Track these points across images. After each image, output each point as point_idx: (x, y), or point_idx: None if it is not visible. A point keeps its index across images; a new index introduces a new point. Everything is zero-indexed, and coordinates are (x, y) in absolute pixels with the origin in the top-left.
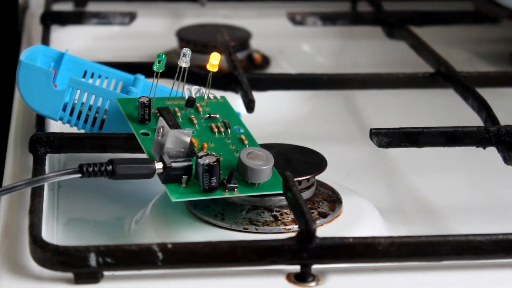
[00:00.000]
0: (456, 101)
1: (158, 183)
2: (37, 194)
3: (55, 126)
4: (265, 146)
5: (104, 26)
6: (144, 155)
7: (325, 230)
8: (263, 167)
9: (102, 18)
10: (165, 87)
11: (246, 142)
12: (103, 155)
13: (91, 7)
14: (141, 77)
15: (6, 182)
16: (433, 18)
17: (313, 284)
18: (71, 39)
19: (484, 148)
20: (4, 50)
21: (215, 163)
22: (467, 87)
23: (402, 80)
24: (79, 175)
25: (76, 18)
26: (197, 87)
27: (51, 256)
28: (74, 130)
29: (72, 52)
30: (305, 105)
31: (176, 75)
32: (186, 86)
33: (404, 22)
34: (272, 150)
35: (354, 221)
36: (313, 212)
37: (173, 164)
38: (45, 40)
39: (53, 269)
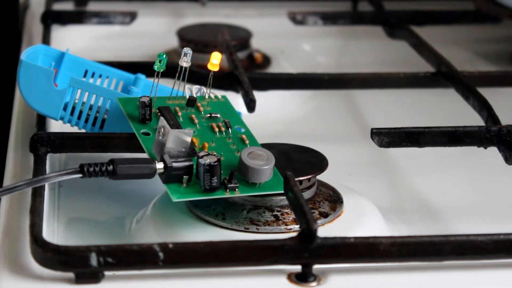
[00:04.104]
0: (457, 101)
1: (159, 183)
2: (37, 194)
3: (55, 126)
4: (266, 146)
5: (105, 26)
6: (145, 155)
7: (326, 230)
8: (264, 167)
9: (103, 18)
10: (166, 87)
11: (247, 141)
12: (104, 155)
13: (92, 7)
14: (142, 76)
15: (7, 182)
16: (434, 18)
17: (314, 284)
18: (71, 39)
19: (485, 148)
20: (5, 49)
21: (216, 163)
22: (468, 86)
23: (403, 80)
24: (80, 175)
25: (77, 17)
26: (198, 86)
27: (52, 256)
28: (75, 129)
29: (73, 51)
30: (306, 104)
31: (177, 74)
32: (187, 86)
33: (405, 22)
34: (273, 150)
35: (355, 221)
36: (314, 212)
37: (174, 164)
38: (46, 39)
39: (54, 269)
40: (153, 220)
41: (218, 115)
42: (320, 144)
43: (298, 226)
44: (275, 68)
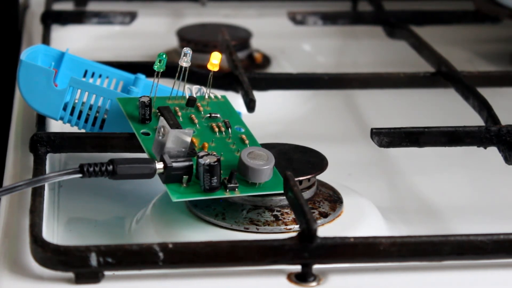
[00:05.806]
0: (457, 101)
1: (158, 183)
2: (37, 194)
3: (55, 126)
4: (266, 146)
5: (105, 26)
6: (144, 155)
7: (326, 230)
8: (264, 166)
9: (103, 18)
10: (165, 87)
11: (247, 141)
12: (103, 155)
13: (92, 7)
14: (141, 76)
15: (7, 181)
16: (433, 18)
17: (314, 284)
18: (71, 39)
19: (485, 148)
20: (5, 49)
21: (216, 163)
22: (468, 86)
23: (403, 80)
24: (80, 175)
25: (77, 17)
26: (198, 86)
27: (51, 256)
28: (75, 129)
29: (73, 51)
30: (306, 104)
31: (177, 74)
32: (187, 86)
33: (404, 22)
34: (273, 150)
35: (355, 221)
36: (314, 212)
37: (174, 164)
38: (46, 39)
39: (53, 269)
40: (153, 220)
41: (218, 115)
42: (320, 144)
43: (298, 226)
44: (275, 68)
